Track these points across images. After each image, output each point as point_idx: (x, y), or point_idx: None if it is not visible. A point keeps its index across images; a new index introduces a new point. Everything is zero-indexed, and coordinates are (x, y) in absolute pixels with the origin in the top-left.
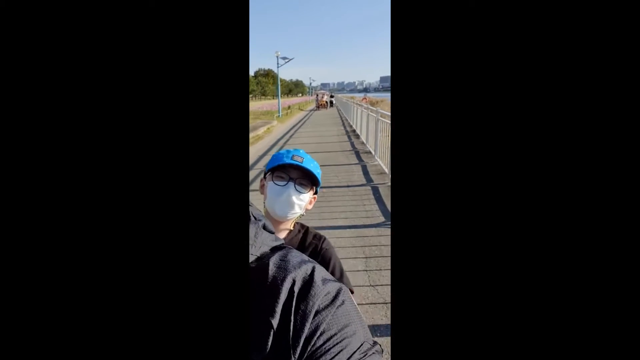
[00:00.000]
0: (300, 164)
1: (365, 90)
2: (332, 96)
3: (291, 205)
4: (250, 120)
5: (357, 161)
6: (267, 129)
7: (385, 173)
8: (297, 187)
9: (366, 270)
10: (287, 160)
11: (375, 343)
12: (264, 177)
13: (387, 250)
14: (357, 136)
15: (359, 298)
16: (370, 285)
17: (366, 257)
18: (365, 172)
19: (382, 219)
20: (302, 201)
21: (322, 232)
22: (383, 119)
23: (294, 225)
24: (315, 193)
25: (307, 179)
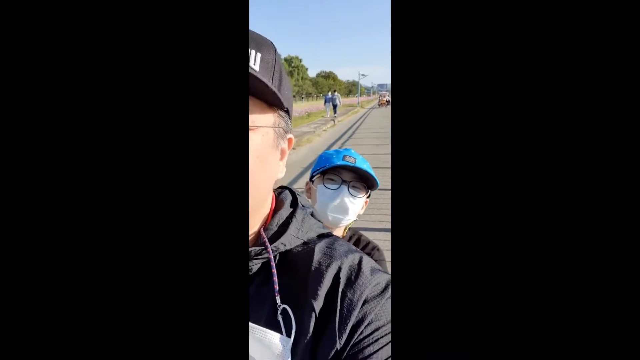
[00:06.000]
0: (353, 164)
1: None
2: (389, 96)
3: (345, 210)
4: (343, 107)
5: None
6: (356, 110)
7: None
8: (351, 190)
9: None
10: (339, 161)
11: None
12: (311, 180)
13: None
14: None
15: None
16: None
17: None
18: None
19: None
20: (356, 206)
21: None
22: None
23: (346, 232)
24: (369, 196)
25: (362, 182)
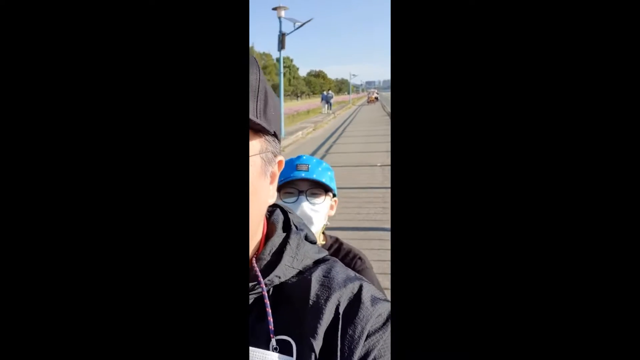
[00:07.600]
0: (306, 173)
1: None
2: (377, 94)
3: (308, 219)
4: (336, 104)
5: (385, 114)
6: (349, 106)
7: None
8: (309, 198)
9: None
10: (292, 174)
11: None
12: None
13: None
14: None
15: None
16: None
17: None
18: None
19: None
20: (319, 212)
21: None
22: None
23: (325, 239)
24: (334, 196)
25: (319, 187)
